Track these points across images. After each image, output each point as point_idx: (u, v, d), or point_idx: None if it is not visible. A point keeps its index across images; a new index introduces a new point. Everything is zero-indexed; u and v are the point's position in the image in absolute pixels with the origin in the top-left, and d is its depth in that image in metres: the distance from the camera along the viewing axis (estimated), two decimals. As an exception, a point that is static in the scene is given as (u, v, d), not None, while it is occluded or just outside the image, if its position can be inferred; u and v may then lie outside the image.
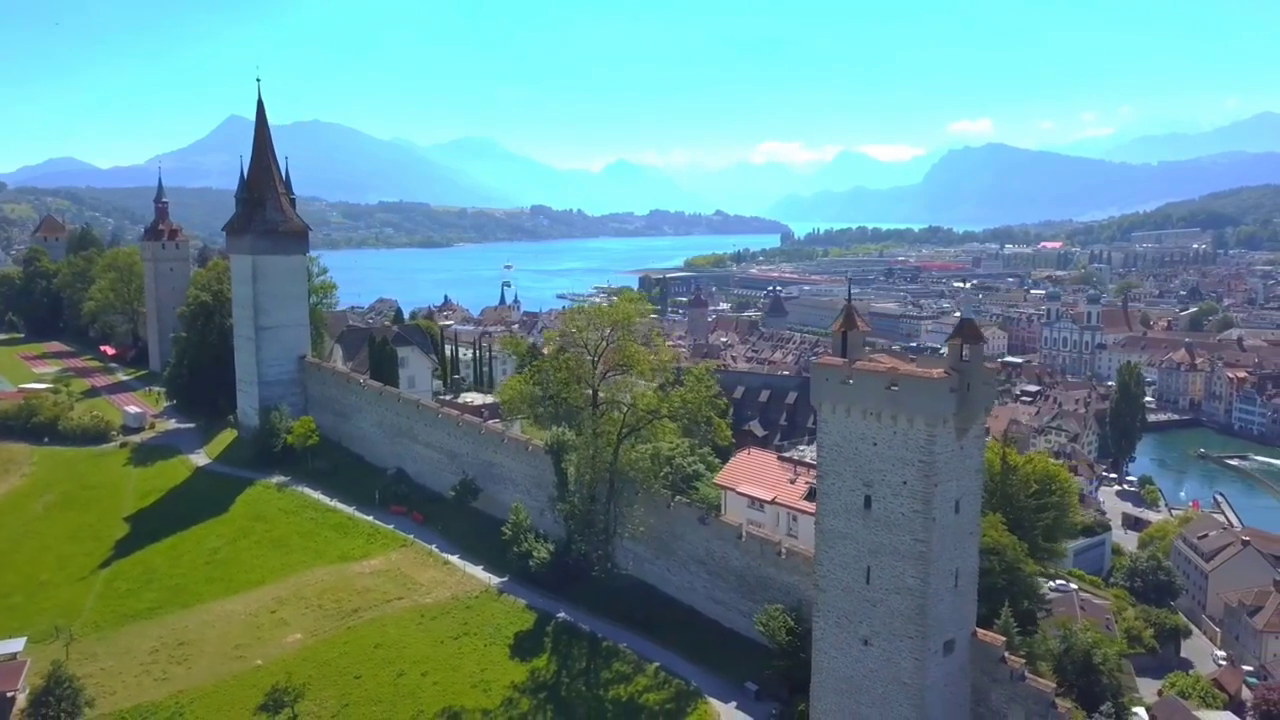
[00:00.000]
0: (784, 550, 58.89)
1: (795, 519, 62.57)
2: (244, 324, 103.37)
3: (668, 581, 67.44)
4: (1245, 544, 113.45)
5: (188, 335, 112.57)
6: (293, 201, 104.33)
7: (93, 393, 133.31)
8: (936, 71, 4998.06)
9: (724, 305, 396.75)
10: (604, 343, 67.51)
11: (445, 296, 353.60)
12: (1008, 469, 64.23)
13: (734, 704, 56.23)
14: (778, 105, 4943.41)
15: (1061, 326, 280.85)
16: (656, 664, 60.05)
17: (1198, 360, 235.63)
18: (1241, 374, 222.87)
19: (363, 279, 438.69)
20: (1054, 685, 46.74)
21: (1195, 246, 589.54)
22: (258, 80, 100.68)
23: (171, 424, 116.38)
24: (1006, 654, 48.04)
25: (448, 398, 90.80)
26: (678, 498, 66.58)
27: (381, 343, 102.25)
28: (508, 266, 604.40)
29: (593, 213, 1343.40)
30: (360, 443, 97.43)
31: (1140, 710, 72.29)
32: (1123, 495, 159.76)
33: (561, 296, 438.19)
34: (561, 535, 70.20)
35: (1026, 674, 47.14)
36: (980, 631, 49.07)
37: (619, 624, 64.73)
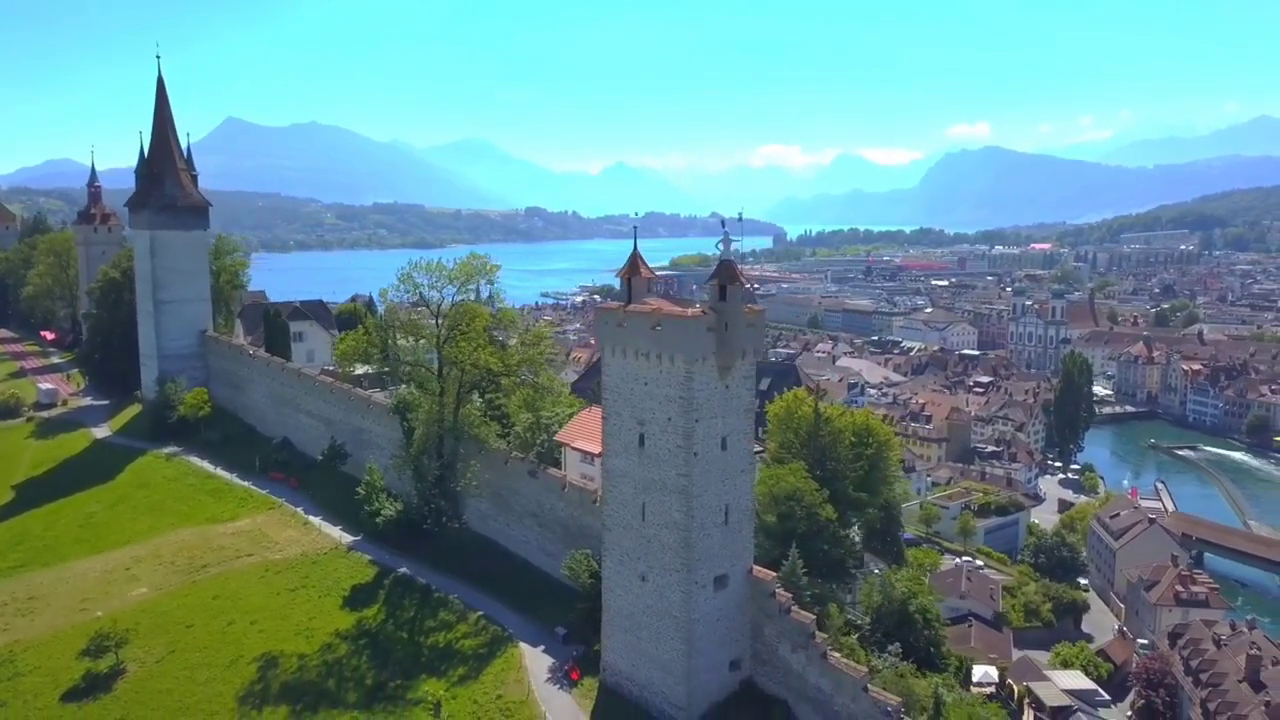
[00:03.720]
0: (599, 498, 59.80)
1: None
2: (144, 299, 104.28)
3: (506, 536, 68.52)
4: (1151, 522, 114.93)
5: (98, 312, 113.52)
6: (194, 178, 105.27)
7: (20, 374, 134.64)
8: (935, 75, 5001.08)
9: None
10: (444, 300, 68.44)
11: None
12: (820, 420, 65.22)
13: (542, 647, 57.28)
14: (777, 108, 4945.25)
15: (1027, 322, 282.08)
16: (480, 613, 61.12)
17: (1155, 354, 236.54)
18: (1196, 367, 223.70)
19: (356, 278, 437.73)
20: (814, 618, 47.59)
21: (1182, 248, 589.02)
22: (157, 57, 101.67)
23: (86, 401, 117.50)
24: (777, 590, 48.98)
25: (332, 368, 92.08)
26: (514, 454, 67.51)
27: (274, 315, 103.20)
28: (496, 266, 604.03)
29: (588, 215, 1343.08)
30: (253, 413, 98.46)
31: (990, 669, 73.48)
32: (1065, 483, 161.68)
33: (546, 295, 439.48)
34: (412, 494, 71.15)
35: (792, 608, 48.04)
36: (756, 569, 50.03)
37: (456, 577, 65.69)
